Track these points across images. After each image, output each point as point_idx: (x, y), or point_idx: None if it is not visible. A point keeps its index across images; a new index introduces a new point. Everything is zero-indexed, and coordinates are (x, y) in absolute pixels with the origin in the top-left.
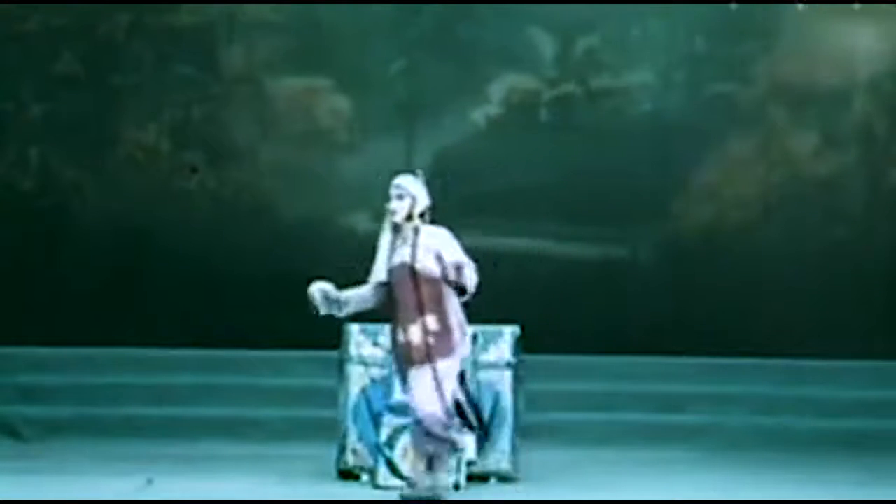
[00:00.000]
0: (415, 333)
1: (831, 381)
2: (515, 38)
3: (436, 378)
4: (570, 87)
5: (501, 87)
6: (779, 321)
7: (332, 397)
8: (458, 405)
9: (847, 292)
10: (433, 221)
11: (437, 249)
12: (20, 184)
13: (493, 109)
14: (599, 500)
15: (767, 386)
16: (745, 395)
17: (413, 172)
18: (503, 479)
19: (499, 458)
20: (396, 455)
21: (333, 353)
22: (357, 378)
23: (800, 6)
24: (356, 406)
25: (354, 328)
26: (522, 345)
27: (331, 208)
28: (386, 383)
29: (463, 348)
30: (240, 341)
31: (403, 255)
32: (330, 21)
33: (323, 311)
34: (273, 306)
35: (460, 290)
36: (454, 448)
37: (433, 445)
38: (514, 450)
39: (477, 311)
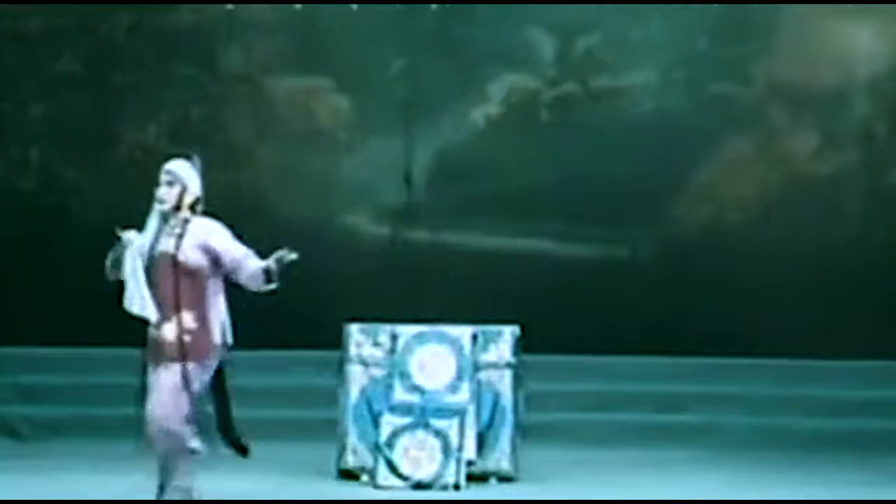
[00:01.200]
0: (169, 330)
1: (831, 381)
2: (515, 38)
3: (185, 378)
4: (569, 87)
5: (501, 87)
6: (779, 321)
7: (332, 397)
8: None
9: (847, 292)
10: (206, 214)
11: (206, 241)
12: (20, 183)
13: (493, 109)
14: (599, 500)
15: (767, 386)
16: (744, 395)
17: (188, 157)
18: (503, 478)
19: (499, 457)
20: (396, 455)
21: (333, 353)
22: (357, 378)
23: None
24: (356, 406)
25: (354, 328)
26: (522, 345)
27: (330, 208)
28: (386, 383)
29: (217, 353)
30: (240, 341)
31: (168, 244)
32: (329, 21)
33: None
34: (272, 306)
35: (267, 277)
36: (191, 453)
37: (167, 446)
38: (514, 449)
39: (477, 311)
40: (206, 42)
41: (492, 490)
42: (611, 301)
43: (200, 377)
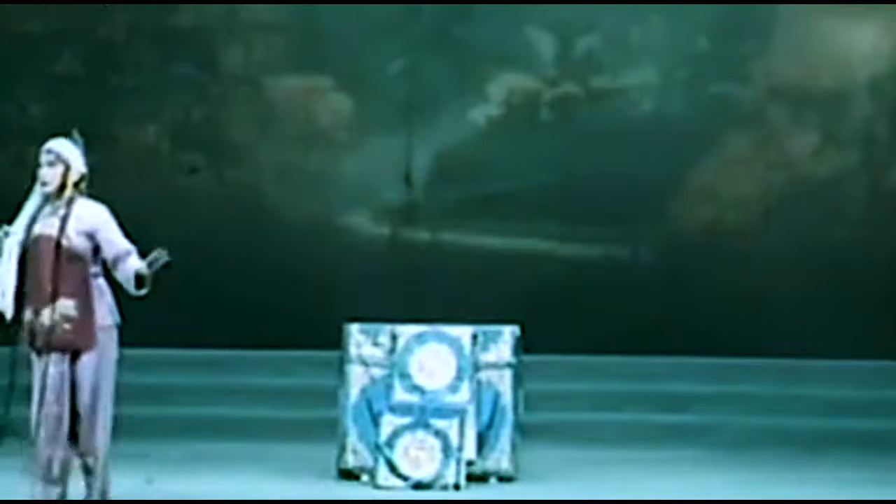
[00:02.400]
0: (47, 317)
1: (834, 381)
2: (515, 38)
3: (82, 380)
4: (570, 87)
5: (501, 87)
6: (780, 321)
7: (332, 397)
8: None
9: (848, 292)
10: (92, 196)
11: (91, 228)
12: (21, 183)
13: (494, 109)
14: (600, 500)
15: (769, 386)
16: (746, 395)
17: (69, 136)
18: (503, 478)
19: (499, 457)
20: (396, 455)
21: (334, 353)
22: (357, 378)
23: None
24: (356, 406)
25: (354, 328)
26: (523, 345)
27: (330, 208)
28: (386, 383)
29: (109, 335)
30: (240, 341)
31: (50, 226)
32: (329, 21)
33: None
34: (272, 306)
35: (138, 280)
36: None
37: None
38: (514, 449)
39: (477, 310)
40: (206, 42)
41: (492, 490)
42: (611, 301)
43: (105, 368)
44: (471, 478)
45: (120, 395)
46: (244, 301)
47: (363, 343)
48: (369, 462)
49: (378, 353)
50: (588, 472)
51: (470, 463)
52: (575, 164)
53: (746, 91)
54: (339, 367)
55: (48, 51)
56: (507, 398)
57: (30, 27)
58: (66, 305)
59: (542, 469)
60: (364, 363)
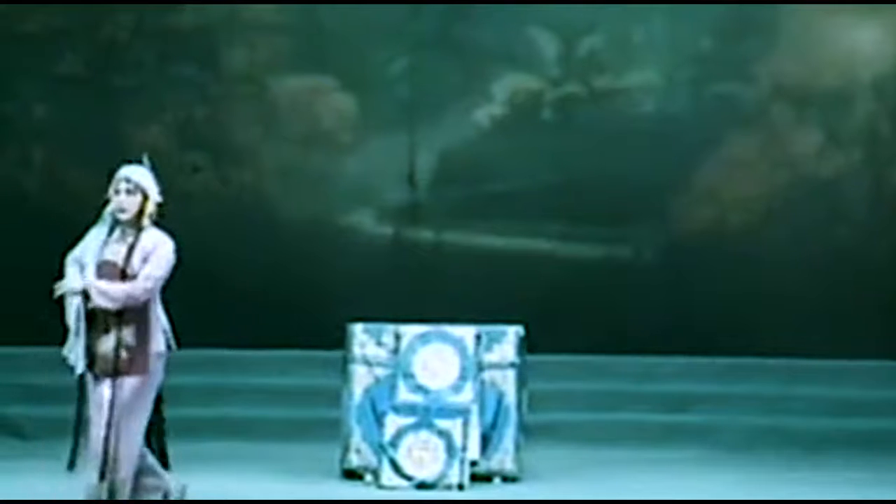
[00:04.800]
0: (105, 343)
1: (837, 381)
2: (518, 38)
3: (118, 397)
4: (573, 88)
5: (505, 87)
6: (782, 321)
7: (335, 397)
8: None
9: (850, 292)
10: (157, 224)
11: (147, 252)
12: (23, 183)
13: (497, 109)
14: (602, 500)
15: (770, 386)
16: (747, 396)
17: (139, 161)
18: (507, 478)
19: (502, 457)
20: (400, 455)
21: (337, 353)
22: (361, 378)
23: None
24: (360, 406)
25: (357, 328)
26: (526, 345)
27: (333, 208)
28: (390, 383)
29: (161, 362)
30: (242, 341)
31: (117, 253)
32: (332, 21)
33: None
34: (276, 306)
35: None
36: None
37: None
38: (518, 449)
39: (481, 311)
40: (208, 42)
41: (495, 490)
42: (614, 301)
43: (146, 390)
44: (474, 478)
45: None
46: (246, 301)
47: (367, 343)
48: (373, 462)
49: (382, 353)
50: (591, 472)
51: (473, 463)
52: (578, 165)
53: (749, 91)
54: (343, 367)
55: (50, 51)
56: (510, 398)
57: (31, 27)
58: (126, 333)
59: (546, 469)
60: (368, 363)
